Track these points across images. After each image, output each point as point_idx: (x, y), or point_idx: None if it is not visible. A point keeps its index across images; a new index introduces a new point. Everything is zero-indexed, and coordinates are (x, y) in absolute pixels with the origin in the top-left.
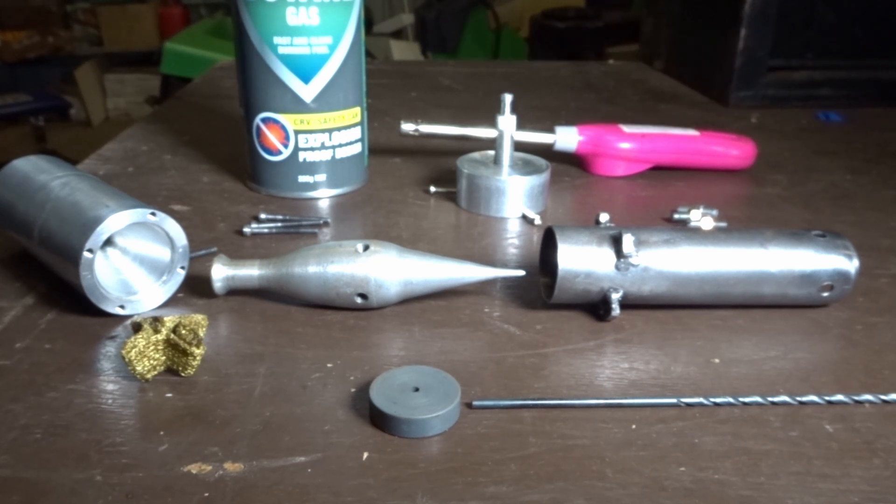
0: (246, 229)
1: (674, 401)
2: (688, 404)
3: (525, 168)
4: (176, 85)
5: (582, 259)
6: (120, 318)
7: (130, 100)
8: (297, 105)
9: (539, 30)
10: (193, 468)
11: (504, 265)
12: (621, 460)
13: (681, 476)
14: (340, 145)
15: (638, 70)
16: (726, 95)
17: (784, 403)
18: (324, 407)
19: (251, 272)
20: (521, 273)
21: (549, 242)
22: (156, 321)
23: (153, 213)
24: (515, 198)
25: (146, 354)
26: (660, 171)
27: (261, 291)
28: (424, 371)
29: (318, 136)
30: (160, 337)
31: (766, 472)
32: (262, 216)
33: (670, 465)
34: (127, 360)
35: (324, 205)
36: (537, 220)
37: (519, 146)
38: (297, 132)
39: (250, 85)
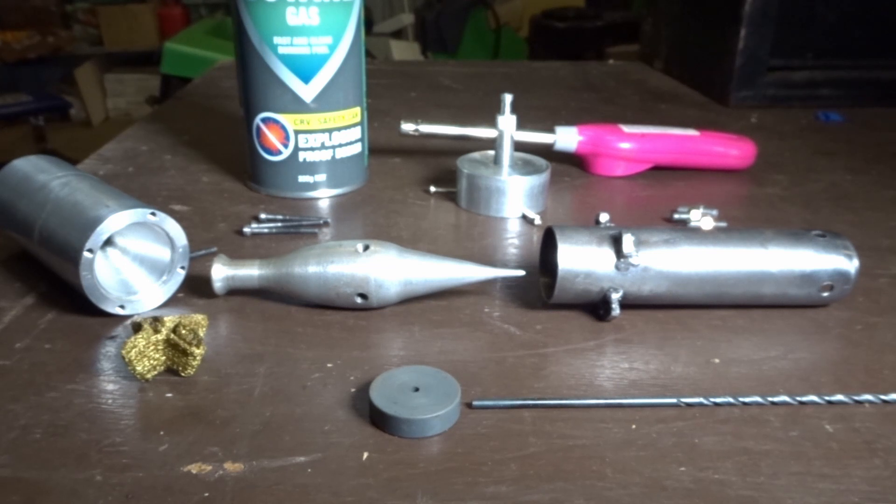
0: (246, 229)
1: (674, 401)
2: (688, 404)
3: (525, 168)
4: (176, 85)
5: (582, 259)
6: (120, 318)
7: (130, 100)
8: (297, 105)
9: (539, 30)
10: (193, 468)
11: (504, 265)
12: (621, 460)
13: (681, 476)
14: (340, 145)
15: (638, 70)
16: (726, 95)
17: (784, 403)
18: (324, 407)
19: (251, 272)
20: (521, 273)
21: (549, 242)
22: (156, 321)
23: (153, 213)
24: (515, 198)
25: (146, 354)
26: (660, 171)
27: (261, 291)
28: (424, 371)
29: (318, 136)
30: (160, 337)
31: (766, 472)
32: (262, 216)
33: (670, 465)
34: (127, 360)
35: (324, 205)
36: (537, 220)
37: (519, 146)
38: (297, 132)
39: (250, 85)
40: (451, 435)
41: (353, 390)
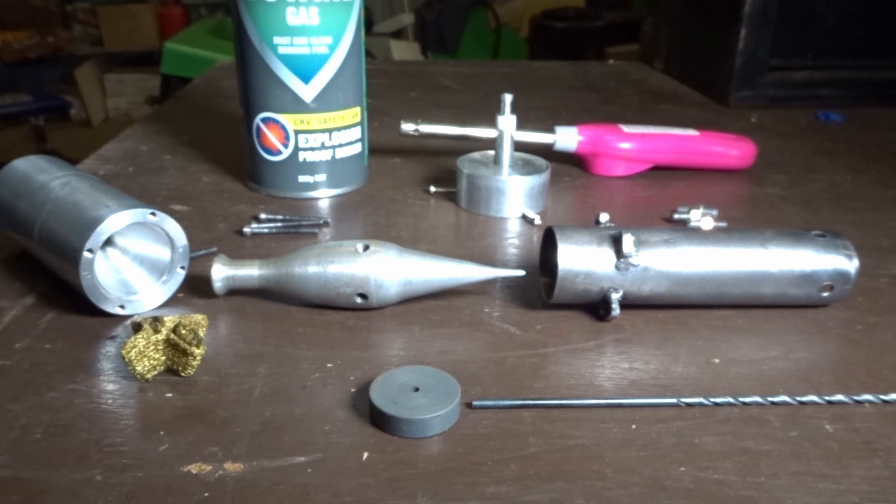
0: (246, 229)
1: (674, 401)
2: (688, 404)
3: (525, 168)
4: (176, 85)
5: (582, 259)
6: (120, 318)
7: (130, 100)
8: (297, 105)
9: (539, 30)
10: (193, 468)
11: (504, 265)
12: (621, 460)
13: (681, 476)
14: (340, 145)
15: (638, 70)
16: (726, 95)
17: (784, 403)
18: (324, 407)
19: (251, 272)
20: (521, 273)
21: (549, 242)
22: (156, 321)
23: (153, 213)
24: (515, 198)
25: (146, 354)
26: (660, 171)
27: (261, 291)
28: (424, 371)
29: (318, 136)
30: (160, 337)
31: (766, 472)
32: (262, 216)
33: (670, 465)
34: (127, 360)
35: (324, 205)
36: (537, 220)
37: (519, 146)
38: (297, 132)
39: (250, 85)
40: (451, 435)
41: (353, 390)
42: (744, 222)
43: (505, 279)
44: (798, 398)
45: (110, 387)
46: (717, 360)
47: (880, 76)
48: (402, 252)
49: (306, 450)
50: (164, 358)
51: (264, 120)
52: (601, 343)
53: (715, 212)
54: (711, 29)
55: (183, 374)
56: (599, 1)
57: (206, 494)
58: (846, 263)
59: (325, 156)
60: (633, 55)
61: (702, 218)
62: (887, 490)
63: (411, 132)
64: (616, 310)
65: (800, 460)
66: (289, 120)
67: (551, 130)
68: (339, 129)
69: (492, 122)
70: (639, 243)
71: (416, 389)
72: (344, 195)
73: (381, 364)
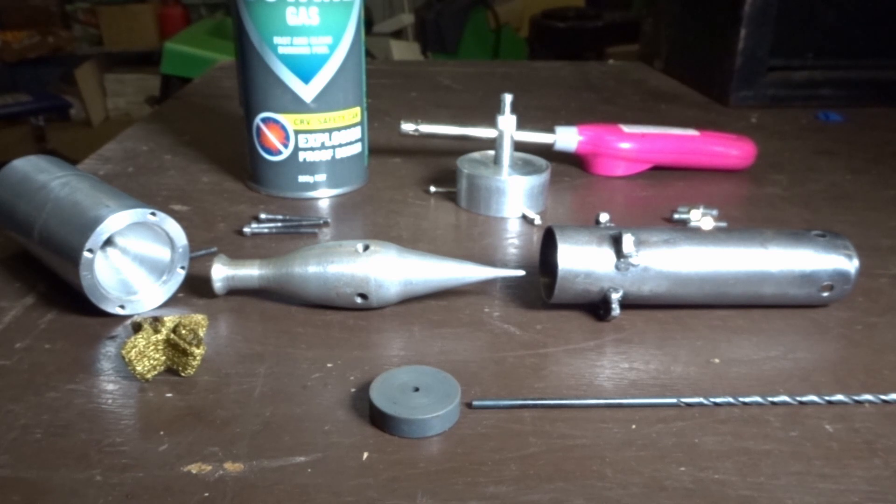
0: (246, 229)
1: (674, 401)
2: (688, 404)
3: (525, 168)
4: (176, 85)
5: (582, 259)
6: (120, 318)
7: (130, 100)
8: (297, 105)
9: (539, 30)
10: (193, 468)
11: (504, 265)
12: (621, 460)
13: (681, 476)
14: (340, 145)
15: (638, 70)
16: (726, 95)
17: (784, 403)
18: (324, 407)
19: (251, 272)
20: (521, 273)
21: (549, 242)
22: (156, 321)
23: (153, 213)
24: (515, 198)
25: (146, 354)
26: (660, 171)
27: (261, 291)
28: (424, 371)
29: (318, 136)
30: (160, 337)
31: (766, 472)
32: (262, 216)
33: (670, 465)
34: (127, 360)
35: (324, 205)
36: (537, 220)
37: (519, 146)
38: (297, 132)
39: (250, 85)
40: (451, 435)
41: (353, 390)
42: (744, 222)
43: (505, 279)
44: (798, 398)
45: (110, 387)
46: (717, 360)
47: (880, 76)
48: (402, 252)
49: (306, 450)
50: (164, 358)
51: (264, 120)
52: (601, 343)
53: (715, 212)
54: (711, 29)
55: (183, 374)
56: (599, 1)
57: (206, 494)
58: (846, 263)
59: (325, 156)
60: (633, 55)
61: (702, 218)
62: (887, 490)
63: (411, 132)
64: (616, 310)
65: (800, 460)
66: (289, 120)
67: (551, 130)
68: (339, 129)
69: (492, 122)
70: (639, 243)
71: (416, 389)
72: (344, 195)
73: (381, 364)
